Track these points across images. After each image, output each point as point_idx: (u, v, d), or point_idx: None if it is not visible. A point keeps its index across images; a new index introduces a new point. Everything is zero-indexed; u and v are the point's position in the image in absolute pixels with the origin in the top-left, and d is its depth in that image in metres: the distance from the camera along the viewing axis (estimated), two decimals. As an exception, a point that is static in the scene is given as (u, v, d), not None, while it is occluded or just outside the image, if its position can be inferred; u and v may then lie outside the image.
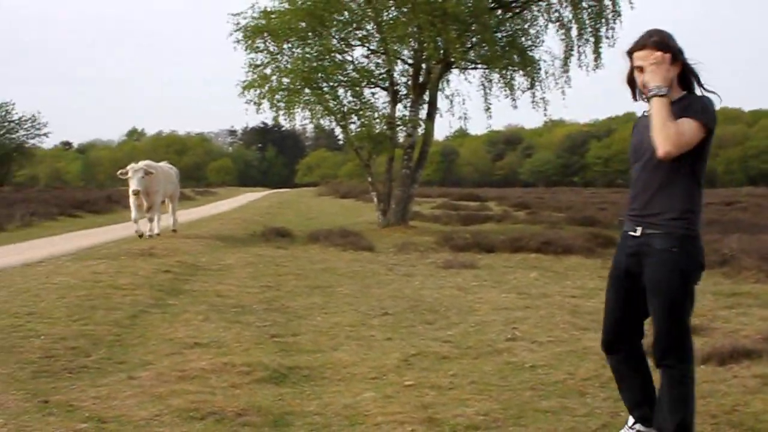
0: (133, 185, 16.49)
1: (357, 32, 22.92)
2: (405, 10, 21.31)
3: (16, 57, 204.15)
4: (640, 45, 4.23)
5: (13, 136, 68.32)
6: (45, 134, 71.46)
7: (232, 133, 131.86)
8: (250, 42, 21.87)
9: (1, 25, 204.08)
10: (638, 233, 4.26)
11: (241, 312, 8.85)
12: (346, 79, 22.37)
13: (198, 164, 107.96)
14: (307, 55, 21.77)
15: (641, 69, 4.21)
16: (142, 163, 16.95)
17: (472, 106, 52.69)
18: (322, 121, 22.90)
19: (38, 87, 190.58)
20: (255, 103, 21.80)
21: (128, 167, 16.71)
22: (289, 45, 22.03)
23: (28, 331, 7.22)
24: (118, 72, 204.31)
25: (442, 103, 23.65)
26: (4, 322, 7.57)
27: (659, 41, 4.18)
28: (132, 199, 16.95)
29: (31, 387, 5.61)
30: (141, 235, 16.58)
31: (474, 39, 22.32)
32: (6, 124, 67.91)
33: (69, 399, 5.32)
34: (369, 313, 8.89)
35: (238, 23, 21.98)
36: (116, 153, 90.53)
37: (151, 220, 17.17)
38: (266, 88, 21.74)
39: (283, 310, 9.13)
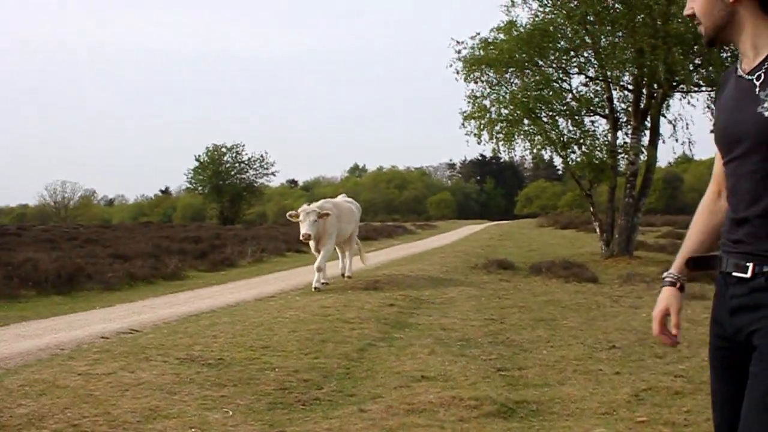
0: (303, 229, 13.82)
1: (575, 60, 22.70)
2: (622, 34, 20.89)
3: (245, 100, 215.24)
4: None
5: (244, 175, 72.27)
6: (272, 173, 75.02)
7: (451, 166, 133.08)
8: (469, 73, 22.12)
9: (229, 71, 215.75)
10: (749, 274, 2.42)
11: (466, 345, 8.85)
12: (565, 108, 22.18)
13: (418, 198, 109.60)
14: (527, 85, 21.74)
15: None
16: (315, 204, 14.43)
17: (695, 130, 50.59)
18: (541, 152, 22.77)
19: (263, 127, 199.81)
20: (475, 134, 22.04)
21: (300, 209, 14.11)
22: (508, 75, 22.11)
23: (264, 364, 7.50)
24: (338, 111, 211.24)
25: (664, 128, 22.98)
26: (241, 354, 7.91)
27: None
28: (312, 245, 14.38)
29: (267, 418, 5.83)
30: (317, 288, 13.84)
31: (697, 60, 21.53)
32: (237, 164, 71.97)
33: (303, 430, 5.48)
34: (596, 347, 8.69)
35: (459, 51, 22.32)
36: (339, 189, 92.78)
37: (319, 269, 14.04)
38: (485, 119, 21.90)
39: (508, 343, 9.07)
